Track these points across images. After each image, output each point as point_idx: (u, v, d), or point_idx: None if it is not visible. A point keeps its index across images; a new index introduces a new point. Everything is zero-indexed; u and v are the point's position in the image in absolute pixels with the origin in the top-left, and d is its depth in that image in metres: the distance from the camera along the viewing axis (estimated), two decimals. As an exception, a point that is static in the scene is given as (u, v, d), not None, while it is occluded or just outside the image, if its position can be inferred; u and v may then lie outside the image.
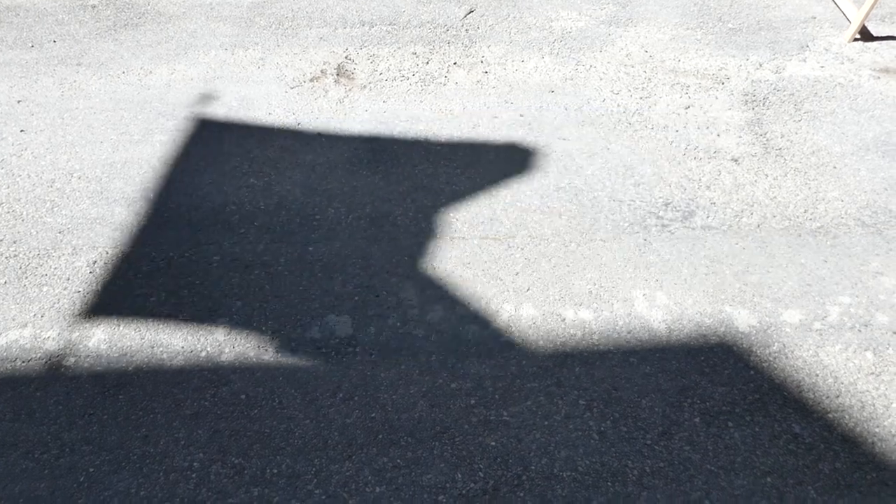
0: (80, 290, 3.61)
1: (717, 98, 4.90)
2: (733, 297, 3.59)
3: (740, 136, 4.56)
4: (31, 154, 4.39)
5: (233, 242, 3.85)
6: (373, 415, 3.11)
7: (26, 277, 3.67)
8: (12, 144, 4.46)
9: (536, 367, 3.31)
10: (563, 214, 4.03)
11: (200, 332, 3.42)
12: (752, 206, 4.07)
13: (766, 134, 4.58)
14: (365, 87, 5.01)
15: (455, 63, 5.24)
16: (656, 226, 3.96)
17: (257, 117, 4.71)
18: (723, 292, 3.61)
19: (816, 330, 3.45)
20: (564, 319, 3.50)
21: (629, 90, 4.97)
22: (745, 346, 3.39)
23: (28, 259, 3.75)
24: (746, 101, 4.88)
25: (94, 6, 5.81)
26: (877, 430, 3.07)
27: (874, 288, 3.64)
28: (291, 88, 4.98)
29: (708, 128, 4.63)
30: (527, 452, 2.99)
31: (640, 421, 3.10)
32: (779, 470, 2.93)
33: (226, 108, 4.77)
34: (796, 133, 4.59)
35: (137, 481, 2.89)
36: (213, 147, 4.46)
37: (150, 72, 5.12)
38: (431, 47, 5.40)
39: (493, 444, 3.02)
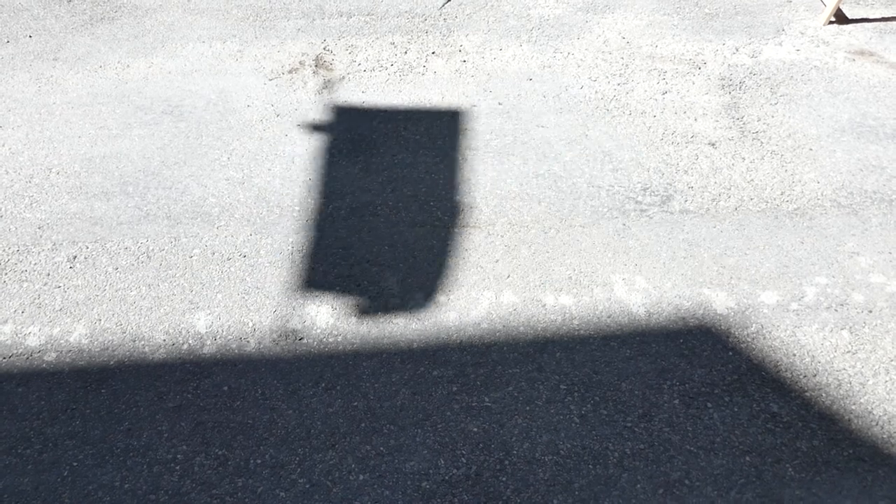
0: (61, 285, 3.61)
1: (693, 83, 4.93)
2: (711, 279, 3.62)
3: (717, 121, 4.60)
4: (8, 150, 4.37)
5: (212, 235, 3.85)
6: (355, 404, 3.13)
7: (6, 273, 3.66)
8: (-11, 141, 4.44)
9: (517, 353, 3.33)
10: (543, 201, 4.05)
11: (181, 326, 3.43)
12: (730, 189, 4.11)
13: (742, 118, 4.62)
14: (343, 77, 5.01)
15: (433, 52, 5.24)
16: (635, 211, 3.99)
17: (236, 110, 4.70)
18: (701, 275, 3.65)
19: (793, 310, 3.49)
20: (545, 305, 3.53)
21: (607, 77, 4.99)
22: (723, 327, 3.42)
23: (8, 255, 3.74)
24: (723, 85, 4.91)
25: (69, 0, 5.77)
26: (853, 407, 3.11)
27: (850, 268, 3.68)
28: (270, 80, 4.97)
29: (685, 112, 4.66)
30: (509, 437, 3.02)
31: (620, 404, 3.13)
32: (757, 449, 2.97)
33: (204, 101, 4.76)
34: (773, 116, 4.62)
35: (121, 474, 2.90)
36: (192, 140, 4.45)
37: (128, 66, 5.10)
38: (409, 37, 5.40)
39: (476, 429, 3.04)
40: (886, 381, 3.20)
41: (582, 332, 3.41)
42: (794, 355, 3.30)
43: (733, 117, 4.62)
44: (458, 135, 4.50)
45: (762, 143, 4.42)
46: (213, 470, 2.92)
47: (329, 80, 4.98)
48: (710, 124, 4.57)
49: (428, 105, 4.75)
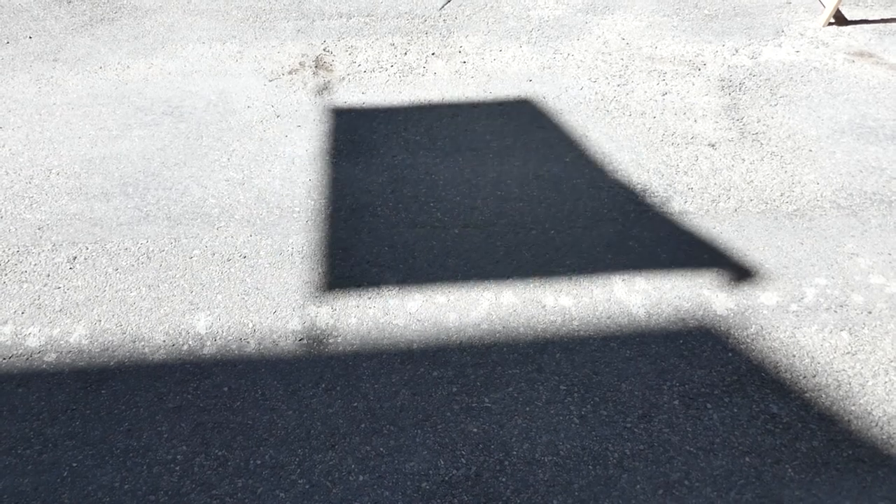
0: (61, 286, 3.61)
1: (693, 84, 4.93)
2: (711, 280, 3.63)
3: (717, 122, 4.60)
4: (8, 151, 4.37)
5: (212, 236, 3.85)
6: (355, 404, 3.13)
7: (6, 274, 3.66)
8: (-11, 142, 4.45)
9: (517, 353, 3.33)
10: (543, 202, 4.05)
11: (181, 326, 3.43)
12: (729, 190, 4.11)
13: (742, 119, 4.62)
14: (343, 78, 5.01)
15: (433, 53, 5.25)
16: (635, 212, 3.99)
17: (236, 110, 4.70)
18: (700, 276, 3.65)
19: (793, 311, 3.49)
20: (545, 306, 3.53)
21: (606, 78, 5.00)
22: (723, 328, 3.42)
23: (7, 256, 3.75)
24: (723, 86, 4.91)
25: (69, 1, 5.78)
26: (853, 408, 3.11)
27: (850, 269, 3.68)
28: (270, 81, 4.97)
29: (685, 114, 4.66)
30: (508, 438, 3.02)
31: (620, 404, 3.13)
32: (757, 449, 2.97)
33: (204, 102, 4.76)
34: (772, 117, 4.63)
35: (121, 475, 2.90)
36: (192, 141, 4.45)
37: (128, 66, 5.10)
38: (409, 38, 5.40)
39: (475, 430, 3.04)
40: (886, 383, 3.20)
41: (582, 332, 3.42)
42: (794, 356, 3.30)
43: (733, 118, 4.62)
44: (459, 136, 4.51)
45: (762, 144, 4.42)
46: (212, 470, 2.92)
47: (329, 81, 4.98)
48: (709, 125, 4.57)
49: (428, 106, 4.75)
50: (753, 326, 3.43)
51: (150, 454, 2.97)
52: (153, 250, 3.78)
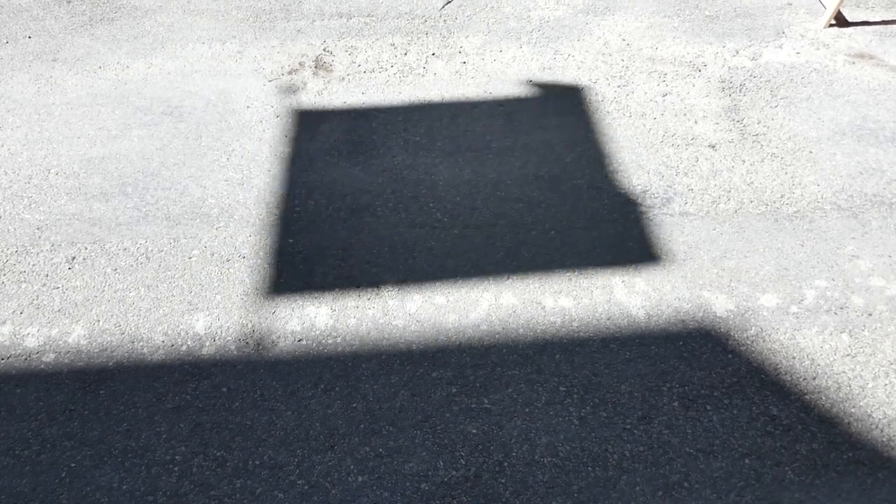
0: (59, 286, 3.60)
1: (694, 85, 4.92)
2: (711, 282, 3.62)
3: (717, 123, 4.59)
4: (7, 151, 4.37)
5: (212, 236, 3.84)
6: (354, 405, 3.12)
7: (4, 274, 3.65)
8: (-12, 141, 4.44)
9: (517, 354, 3.33)
10: (543, 203, 4.04)
11: (180, 327, 3.42)
12: (730, 191, 4.10)
13: (742, 120, 4.61)
14: (343, 78, 5.00)
15: (433, 54, 5.24)
16: (635, 213, 3.98)
17: (236, 111, 4.70)
18: (701, 278, 3.64)
19: (793, 313, 3.49)
20: (544, 307, 3.52)
21: (607, 78, 4.99)
22: (722, 330, 3.42)
23: (6, 256, 3.74)
24: (723, 87, 4.91)
25: (69, 1, 5.77)
26: (853, 410, 3.11)
27: (850, 271, 3.67)
28: (270, 81, 4.97)
29: (685, 115, 4.66)
30: (508, 439, 3.01)
31: (619, 406, 3.13)
32: (757, 451, 2.96)
33: (204, 102, 4.75)
34: (773, 119, 4.62)
35: (119, 475, 2.89)
36: (191, 141, 4.44)
37: (127, 66, 5.10)
38: (409, 38, 5.39)
39: (475, 431, 3.04)
40: (886, 385, 3.19)
41: (581, 334, 3.41)
42: (794, 358, 3.30)
43: (733, 120, 4.62)
44: (458, 136, 4.50)
45: (762, 145, 4.42)
46: (211, 471, 2.91)
47: (329, 81, 4.97)
48: (710, 127, 4.56)
49: (428, 106, 4.74)
50: (753, 328, 3.42)
51: (149, 455, 2.96)
52: (152, 250, 3.77)
